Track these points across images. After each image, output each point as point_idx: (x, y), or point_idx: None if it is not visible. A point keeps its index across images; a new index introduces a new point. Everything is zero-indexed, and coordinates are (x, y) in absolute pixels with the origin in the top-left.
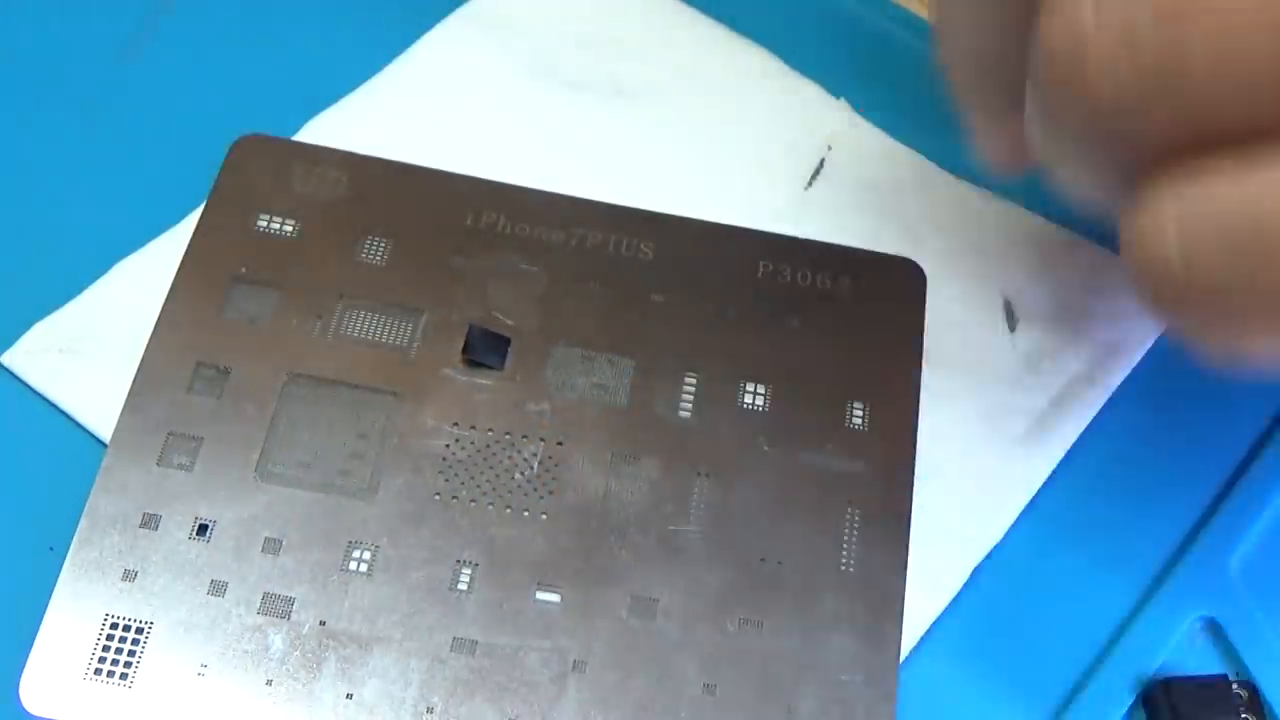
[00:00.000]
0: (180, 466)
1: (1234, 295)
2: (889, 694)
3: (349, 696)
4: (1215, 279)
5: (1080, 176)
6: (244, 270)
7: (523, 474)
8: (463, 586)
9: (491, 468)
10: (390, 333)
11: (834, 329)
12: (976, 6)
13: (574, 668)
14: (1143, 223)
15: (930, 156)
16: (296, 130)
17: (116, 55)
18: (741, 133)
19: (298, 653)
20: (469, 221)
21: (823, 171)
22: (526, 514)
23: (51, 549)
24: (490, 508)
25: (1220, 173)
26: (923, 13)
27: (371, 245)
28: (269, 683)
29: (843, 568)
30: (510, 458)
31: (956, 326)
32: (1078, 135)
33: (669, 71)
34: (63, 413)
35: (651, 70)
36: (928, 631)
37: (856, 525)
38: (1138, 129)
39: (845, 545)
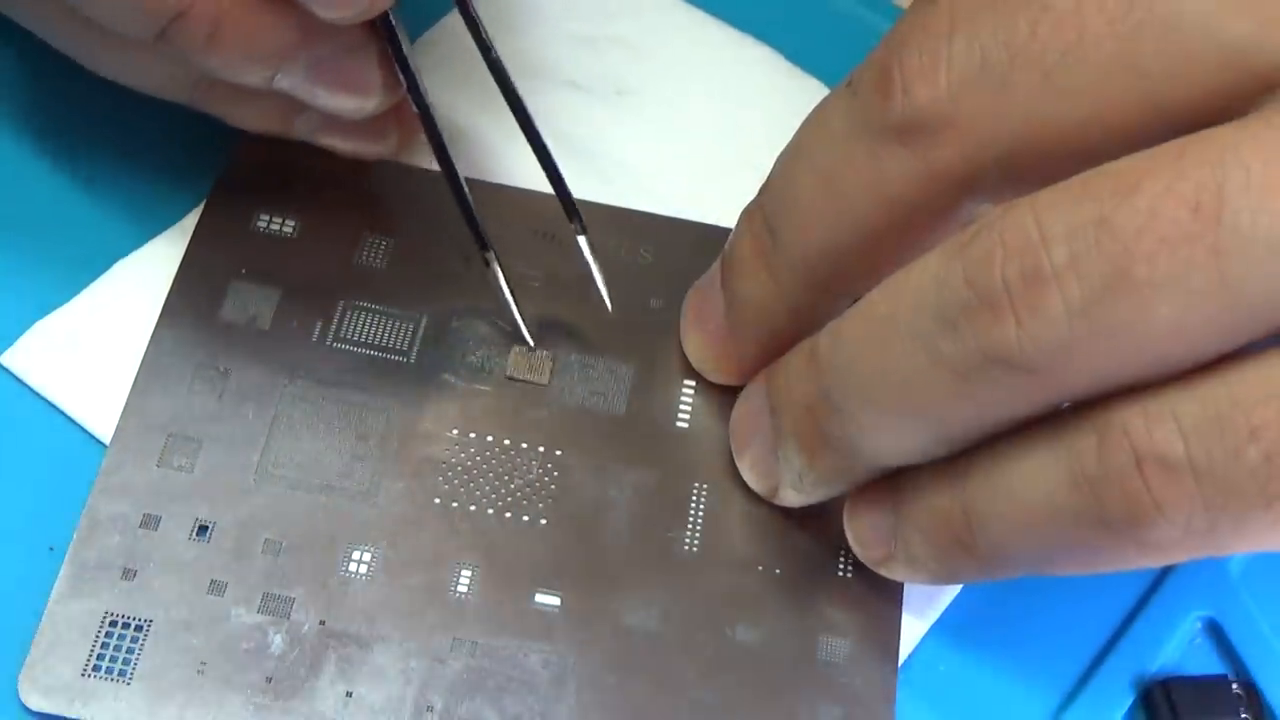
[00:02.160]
0: (180, 468)
1: None
2: (889, 697)
3: (349, 695)
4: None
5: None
6: (244, 271)
7: (522, 480)
8: (463, 589)
9: (491, 473)
10: (390, 336)
11: None
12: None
13: (573, 670)
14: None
15: None
16: None
17: None
18: (744, 133)
19: (297, 652)
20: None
21: None
22: (526, 519)
23: (51, 549)
24: (490, 513)
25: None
26: None
27: (371, 246)
28: (268, 680)
29: (840, 574)
30: (509, 464)
31: None
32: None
33: (670, 71)
34: (62, 413)
35: (652, 70)
36: (927, 633)
37: None
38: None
39: (843, 551)
